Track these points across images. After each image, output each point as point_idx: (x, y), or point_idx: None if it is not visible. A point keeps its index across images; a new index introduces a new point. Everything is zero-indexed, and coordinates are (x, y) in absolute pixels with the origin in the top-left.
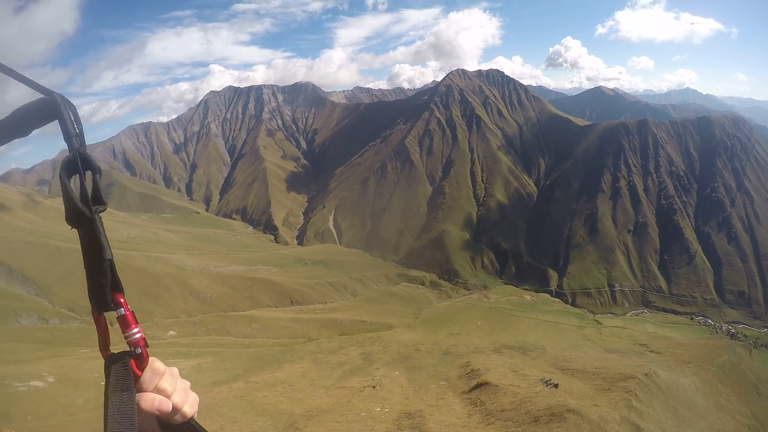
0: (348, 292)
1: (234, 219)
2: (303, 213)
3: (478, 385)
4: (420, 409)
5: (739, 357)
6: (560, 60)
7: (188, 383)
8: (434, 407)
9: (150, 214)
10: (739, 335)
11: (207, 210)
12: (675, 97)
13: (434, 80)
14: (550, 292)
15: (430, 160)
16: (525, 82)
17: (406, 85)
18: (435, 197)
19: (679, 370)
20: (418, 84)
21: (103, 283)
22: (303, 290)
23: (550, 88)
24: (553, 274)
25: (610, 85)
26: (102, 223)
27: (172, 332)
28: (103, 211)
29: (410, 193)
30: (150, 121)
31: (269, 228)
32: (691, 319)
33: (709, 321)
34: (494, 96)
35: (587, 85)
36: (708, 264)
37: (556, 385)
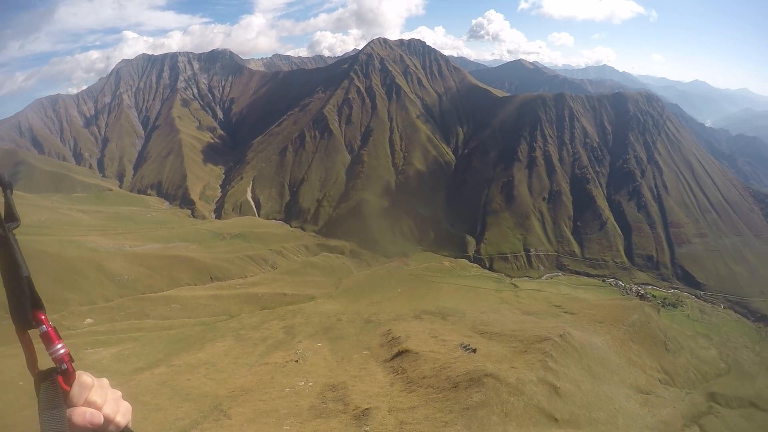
0: (268, 265)
1: (149, 195)
2: (220, 185)
3: (400, 353)
4: (343, 380)
5: (649, 316)
6: (482, 32)
7: (119, 393)
8: (357, 378)
9: (60, 195)
10: (648, 296)
11: (120, 186)
12: (592, 73)
13: (355, 48)
14: (469, 258)
15: (350, 129)
16: (446, 52)
17: (326, 53)
18: (354, 166)
19: (593, 330)
20: (339, 52)
21: (23, 302)
22: (222, 265)
23: (471, 60)
24: (471, 241)
25: (531, 58)
26: (16, 240)
27: (89, 320)
28: (17, 227)
29: (329, 162)
30: (58, 94)
31: (186, 203)
32: (603, 281)
33: (620, 283)
34: (415, 65)
35: (508, 58)
36: (619, 230)
37: (474, 350)
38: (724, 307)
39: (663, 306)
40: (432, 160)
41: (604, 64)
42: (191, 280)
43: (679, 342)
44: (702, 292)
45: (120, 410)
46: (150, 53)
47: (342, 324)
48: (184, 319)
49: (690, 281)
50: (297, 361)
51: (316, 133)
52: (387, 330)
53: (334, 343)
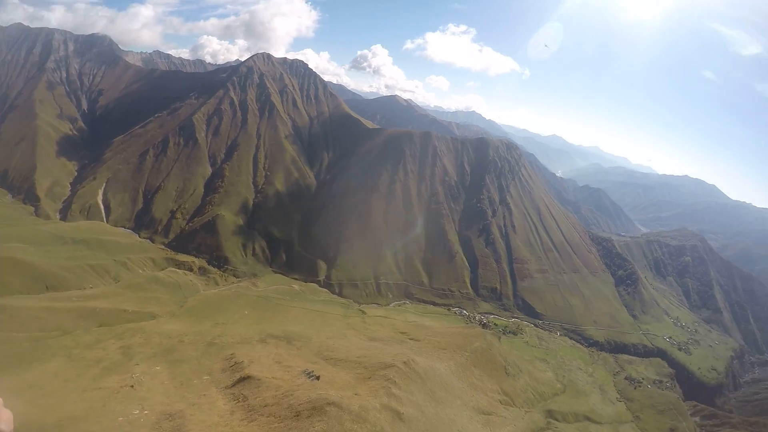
0: (110, 276)
1: None
2: (71, 183)
3: (242, 379)
4: (181, 408)
5: (490, 343)
6: (365, 64)
7: (0, 399)
8: (196, 405)
9: None
10: (491, 325)
11: None
12: (461, 117)
13: (238, 59)
14: (319, 283)
15: (216, 141)
16: (327, 78)
17: (208, 59)
18: (214, 180)
19: (437, 356)
20: (222, 60)
21: None
22: (61, 274)
23: (349, 89)
24: (323, 266)
25: (406, 96)
26: None
27: None
28: None
29: (189, 172)
30: None
31: (30, 198)
32: (449, 310)
33: (465, 312)
34: (293, 86)
35: (384, 92)
36: (466, 263)
37: (317, 377)
38: (561, 335)
39: (504, 334)
40: (293, 182)
41: (473, 110)
42: (24, 287)
43: (518, 366)
44: (540, 321)
45: (3, 418)
46: (26, 24)
47: (184, 346)
48: (11, 333)
49: (530, 311)
50: (132, 386)
51: (181, 140)
52: (230, 354)
53: (174, 366)
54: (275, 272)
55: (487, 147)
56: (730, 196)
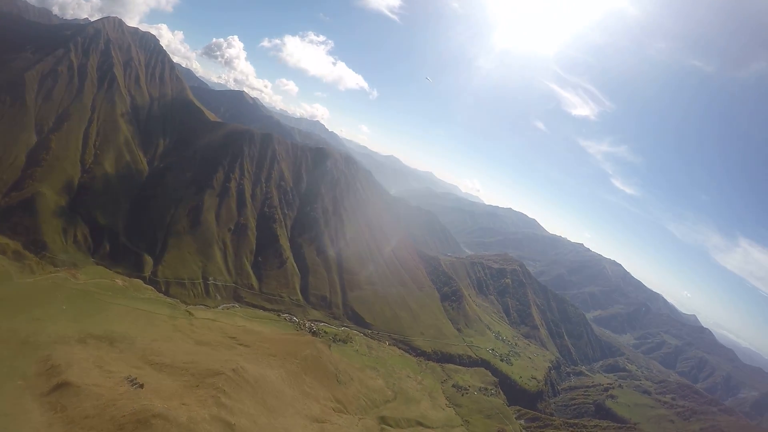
0: None
1: None
2: None
3: (59, 386)
4: None
5: (320, 351)
6: (218, 53)
7: None
8: (9, 417)
9: None
10: (320, 332)
11: None
12: (305, 125)
13: (87, 18)
14: (144, 279)
15: (46, 107)
16: (176, 59)
17: (56, 11)
18: (38, 151)
19: (267, 363)
20: (70, 15)
21: None
22: None
23: (197, 75)
24: (148, 260)
25: (254, 94)
26: None
27: None
28: None
29: (11, 138)
30: None
31: None
32: (278, 315)
33: (295, 318)
34: (140, 60)
35: (233, 86)
36: (297, 270)
37: (141, 385)
38: (390, 344)
39: (334, 341)
40: (124, 165)
41: (318, 120)
42: None
43: (349, 374)
44: (370, 331)
45: None
46: None
47: None
48: None
49: (359, 321)
50: None
51: (8, 99)
52: (47, 355)
53: None
54: (98, 264)
55: (327, 158)
56: (548, 230)
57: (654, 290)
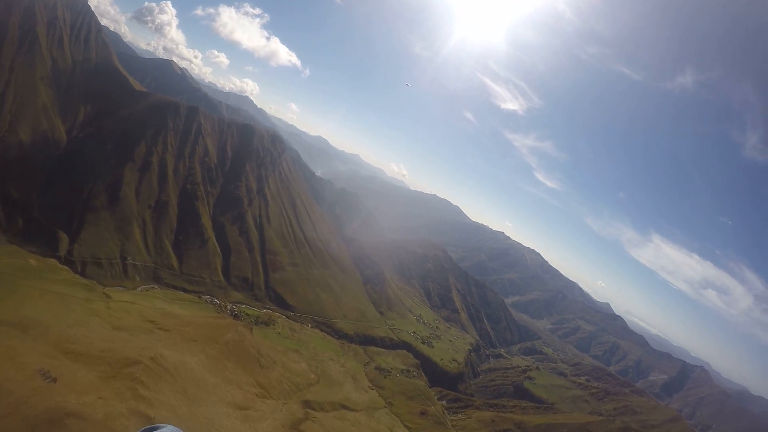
0: None
1: None
2: None
3: None
4: None
5: (242, 335)
6: (149, 18)
7: None
8: None
9: None
10: (242, 314)
11: None
12: (233, 99)
13: None
14: (60, 259)
15: None
16: (104, 22)
17: None
18: None
19: (187, 349)
20: None
21: None
22: None
23: (125, 40)
24: (64, 238)
25: (183, 64)
26: None
27: None
28: None
29: None
30: None
31: None
32: (199, 297)
33: (216, 300)
34: (65, 20)
35: (162, 54)
36: (219, 250)
37: (55, 379)
38: (312, 326)
39: (256, 324)
40: (41, 134)
41: (247, 95)
42: None
43: (272, 358)
44: (292, 313)
45: None
46: None
47: None
48: None
49: (282, 303)
50: None
51: None
52: None
53: None
54: (10, 242)
55: (253, 134)
56: (470, 218)
57: (570, 279)
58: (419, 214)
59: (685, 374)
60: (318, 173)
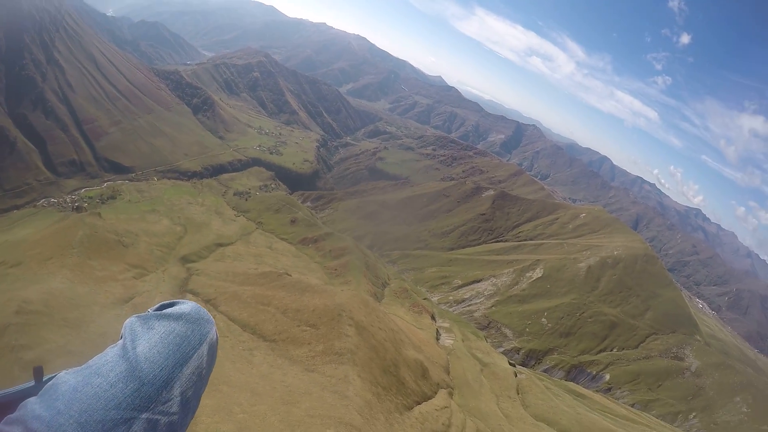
0: None
1: None
2: None
3: None
4: None
5: (93, 226)
6: None
7: None
8: None
9: None
10: (84, 200)
11: None
12: None
13: None
14: None
15: None
16: None
17: None
18: None
19: (46, 272)
20: None
21: None
22: None
23: None
24: None
25: None
26: None
27: None
28: None
29: None
30: None
31: None
32: (35, 206)
33: (53, 200)
34: None
35: None
36: (32, 145)
37: None
38: (159, 179)
39: (102, 203)
40: None
41: None
42: None
43: (131, 232)
44: (134, 174)
45: None
46: None
47: None
48: None
49: (119, 169)
50: None
51: None
52: None
53: None
54: None
55: None
56: (287, 14)
57: (400, 58)
58: (232, 24)
59: (520, 133)
60: (110, 13)
